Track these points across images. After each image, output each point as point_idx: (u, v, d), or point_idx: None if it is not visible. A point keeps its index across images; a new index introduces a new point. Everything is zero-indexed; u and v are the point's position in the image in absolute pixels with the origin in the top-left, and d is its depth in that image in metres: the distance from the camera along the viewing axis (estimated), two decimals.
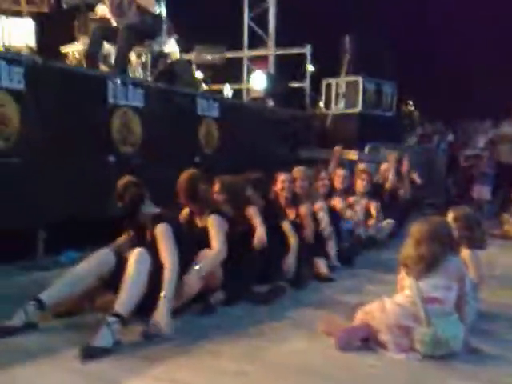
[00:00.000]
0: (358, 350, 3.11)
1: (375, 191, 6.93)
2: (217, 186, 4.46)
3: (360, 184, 6.68)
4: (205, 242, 3.89)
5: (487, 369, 2.93)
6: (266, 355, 3.03)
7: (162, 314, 3.22)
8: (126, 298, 3.14)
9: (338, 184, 6.39)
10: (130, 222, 3.87)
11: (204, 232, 4.00)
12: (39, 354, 2.89)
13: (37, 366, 2.75)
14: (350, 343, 3.15)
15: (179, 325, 3.37)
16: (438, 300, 3.13)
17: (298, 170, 5.50)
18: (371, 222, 6.58)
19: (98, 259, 3.44)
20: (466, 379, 2.80)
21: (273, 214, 4.78)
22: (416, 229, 3.33)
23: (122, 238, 3.93)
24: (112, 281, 3.35)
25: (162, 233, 3.58)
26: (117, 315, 3.04)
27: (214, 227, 4.00)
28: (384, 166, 7.50)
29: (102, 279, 3.43)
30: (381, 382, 2.74)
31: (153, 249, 3.50)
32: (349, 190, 6.58)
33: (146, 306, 3.24)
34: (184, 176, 4.14)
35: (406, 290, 3.23)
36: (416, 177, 8.04)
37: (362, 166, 7.10)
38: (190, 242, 3.81)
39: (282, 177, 5.26)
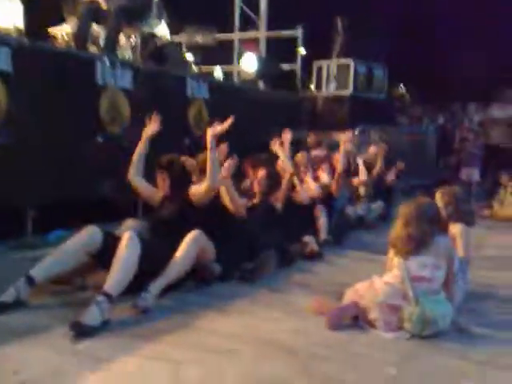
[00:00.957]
0: (348, 329, 3.14)
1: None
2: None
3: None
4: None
5: (476, 348, 2.96)
6: (257, 334, 3.04)
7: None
8: (115, 278, 3.17)
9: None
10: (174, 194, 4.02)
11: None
12: (29, 332, 2.89)
13: (26, 345, 2.74)
14: (340, 322, 3.18)
15: (170, 303, 3.40)
16: (426, 279, 3.16)
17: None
18: (361, 201, 6.64)
19: (86, 236, 3.46)
20: (455, 358, 2.82)
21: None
22: (404, 210, 3.36)
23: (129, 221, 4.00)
24: (102, 258, 3.38)
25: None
26: (106, 294, 3.05)
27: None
28: (372, 150, 7.48)
29: (90, 255, 3.46)
30: (370, 361, 2.76)
31: (172, 223, 3.75)
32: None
33: (138, 287, 3.28)
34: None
35: (394, 269, 3.25)
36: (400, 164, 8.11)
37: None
38: None
39: None
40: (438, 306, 3.10)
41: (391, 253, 3.36)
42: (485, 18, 14.58)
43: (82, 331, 2.86)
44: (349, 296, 3.31)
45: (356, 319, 3.20)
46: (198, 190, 3.98)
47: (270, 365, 2.66)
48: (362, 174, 6.70)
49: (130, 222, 4.20)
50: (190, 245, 3.64)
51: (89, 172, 5.08)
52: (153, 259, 3.44)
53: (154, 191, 4.19)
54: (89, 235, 3.46)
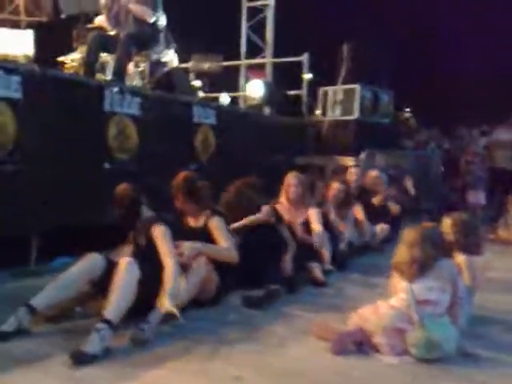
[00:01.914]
0: (353, 354, 3.13)
1: (361, 195, 6.98)
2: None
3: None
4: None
5: (481, 371, 2.95)
6: (261, 360, 3.03)
7: (168, 305, 3.30)
8: (115, 305, 3.15)
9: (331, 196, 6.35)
10: (128, 227, 3.91)
11: (199, 232, 4.01)
12: (29, 360, 2.89)
13: (27, 372, 2.75)
14: (344, 347, 3.16)
15: (171, 329, 3.39)
16: (432, 302, 3.17)
17: (291, 176, 5.52)
18: (364, 227, 6.61)
19: (88, 264, 3.47)
20: (460, 382, 2.81)
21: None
22: (408, 233, 3.39)
23: (125, 247, 3.97)
24: (102, 285, 3.37)
25: (161, 233, 3.67)
26: (106, 321, 3.05)
27: (221, 230, 4.08)
28: (373, 174, 7.47)
29: (92, 283, 3.47)
30: None
31: (149, 252, 3.57)
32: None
33: (137, 313, 3.27)
34: (180, 175, 4.17)
35: (400, 293, 3.25)
36: (410, 187, 8.11)
37: (349, 174, 7.21)
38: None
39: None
40: (443, 329, 3.09)
41: (395, 277, 3.37)
42: (491, 43, 14.70)
43: (82, 360, 2.85)
44: (353, 321, 3.31)
45: (361, 344, 3.19)
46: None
47: None
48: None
49: (126, 249, 4.19)
50: (194, 272, 3.66)
51: (96, 199, 5.12)
52: (151, 285, 3.41)
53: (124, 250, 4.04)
54: (91, 262, 3.47)
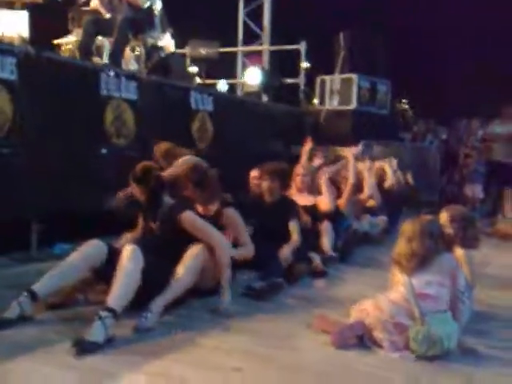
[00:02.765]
0: (353, 348, 3.10)
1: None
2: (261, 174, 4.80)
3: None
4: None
5: (482, 368, 2.92)
6: (260, 351, 3.01)
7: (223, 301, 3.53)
8: (118, 293, 3.11)
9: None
10: (149, 210, 3.84)
11: (209, 221, 3.90)
12: (32, 347, 2.85)
13: (29, 361, 2.71)
14: (345, 341, 3.13)
15: (173, 319, 3.38)
16: (431, 296, 3.13)
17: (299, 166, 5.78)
18: (365, 216, 6.58)
19: (89, 250, 3.41)
20: (460, 379, 2.79)
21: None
22: (407, 227, 3.36)
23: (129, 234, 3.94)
24: (104, 272, 3.33)
25: (193, 220, 3.69)
26: (110, 310, 3.00)
27: (238, 222, 4.08)
28: (377, 165, 7.45)
29: (93, 270, 3.42)
30: (375, 381, 2.73)
31: (162, 238, 3.64)
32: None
33: (140, 301, 3.23)
34: (189, 163, 4.08)
35: (399, 286, 3.22)
36: (409, 177, 8.08)
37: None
38: None
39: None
40: (443, 325, 3.06)
41: (394, 270, 3.34)
42: (488, 32, 14.65)
43: (85, 348, 2.81)
44: (354, 315, 3.27)
45: (361, 338, 3.16)
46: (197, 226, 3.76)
47: (272, 383, 2.62)
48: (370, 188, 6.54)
49: (129, 235, 4.14)
50: (192, 260, 3.58)
51: (92, 184, 5.05)
52: (154, 273, 3.37)
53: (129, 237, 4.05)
54: (93, 249, 3.41)
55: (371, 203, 6.77)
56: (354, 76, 9.65)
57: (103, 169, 5.29)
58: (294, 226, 4.82)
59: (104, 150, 5.41)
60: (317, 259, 4.90)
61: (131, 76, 5.93)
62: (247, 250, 4.11)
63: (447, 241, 3.57)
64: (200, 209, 4.18)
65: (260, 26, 11.33)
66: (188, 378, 2.62)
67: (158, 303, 3.31)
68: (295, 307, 3.88)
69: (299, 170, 5.73)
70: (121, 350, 2.91)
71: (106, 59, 6.67)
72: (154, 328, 3.20)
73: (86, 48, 6.36)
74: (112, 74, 5.57)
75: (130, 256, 3.26)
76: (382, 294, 3.26)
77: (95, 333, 2.89)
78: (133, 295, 3.17)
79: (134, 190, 3.86)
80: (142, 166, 3.86)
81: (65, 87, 5.05)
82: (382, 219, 6.79)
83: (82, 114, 5.20)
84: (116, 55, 6.34)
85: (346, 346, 3.10)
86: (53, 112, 4.90)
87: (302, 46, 10.25)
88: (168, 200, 3.84)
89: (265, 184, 4.90)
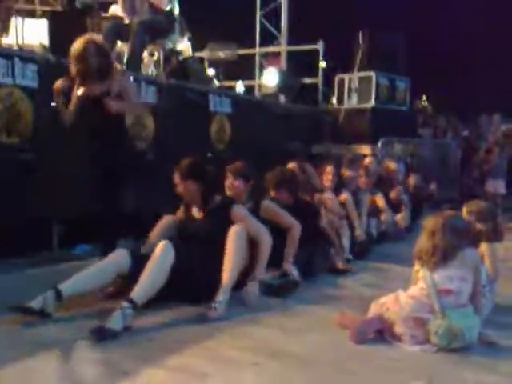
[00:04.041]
0: (373, 343, 3.10)
1: (380, 184, 6.89)
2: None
3: (361, 181, 6.57)
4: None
5: (504, 361, 2.90)
6: (279, 347, 3.02)
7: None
8: (142, 287, 3.23)
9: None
10: (205, 203, 3.95)
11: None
12: (53, 344, 2.89)
13: (51, 357, 2.75)
14: (364, 335, 3.14)
15: (193, 314, 3.43)
16: (453, 292, 3.11)
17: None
18: (383, 215, 6.52)
19: (116, 258, 3.53)
20: (482, 372, 2.77)
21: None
22: (430, 221, 3.33)
23: (163, 223, 4.05)
24: (128, 279, 3.43)
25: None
26: (131, 301, 3.11)
27: (248, 218, 3.99)
28: (390, 165, 7.38)
29: (119, 277, 3.53)
30: (396, 375, 2.72)
31: (204, 229, 3.80)
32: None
33: (185, 289, 3.46)
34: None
35: (420, 282, 3.21)
36: (433, 187, 8.06)
37: (366, 160, 7.08)
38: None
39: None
40: (464, 318, 3.04)
41: (417, 265, 3.32)
42: (508, 29, 14.48)
43: (103, 335, 2.91)
44: (374, 309, 3.28)
45: (381, 333, 3.16)
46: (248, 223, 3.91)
47: (294, 378, 2.64)
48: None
49: (152, 237, 4.16)
50: (237, 240, 3.68)
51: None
52: (190, 265, 3.50)
53: (166, 224, 4.12)
54: (119, 260, 3.51)
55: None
56: (372, 74, 9.62)
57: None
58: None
59: None
60: (338, 258, 4.91)
61: (150, 80, 6.00)
62: (268, 245, 4.02)
63: (474, 236, 3.56)
64: (196, 212, 4.10)
65: (277, 26, 11.36)
66: (207, 372, 2.64)
67: (223, 292, 3.45)
68: (314, 303, 3.87)
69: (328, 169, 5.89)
70: (142, 343, 2.96)
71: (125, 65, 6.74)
72: (225, 317, 3.36)
73: None
74: (131, 79, 5.64)
75: (159, 251, 3.39)
76: (403, 290, 3.25)
77: (114, 321, 3.01)
78: (157, 289, 3.29)
79: (184, 185, 3.91)
80: (192, 160, 3.98)
81: None
82: (403, 216, 6.76)
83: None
84: (134, 60, 6.41)
85: (366, 341, 3.10)
86: None
87: (319, 46, 10.25)
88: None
89: (272, 194, 4.86)
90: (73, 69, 4.13)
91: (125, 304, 3.10)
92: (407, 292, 3.22)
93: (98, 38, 4.39)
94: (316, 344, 3.09)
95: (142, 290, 3.22)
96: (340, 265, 4.85)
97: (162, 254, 3.40)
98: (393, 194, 7.02)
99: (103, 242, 4.20)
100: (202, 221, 3.95)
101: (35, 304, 3.17)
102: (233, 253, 3.64)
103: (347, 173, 6.15)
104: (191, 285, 3.53)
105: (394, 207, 6.81)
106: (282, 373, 2.70)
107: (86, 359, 2.73)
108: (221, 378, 2.61)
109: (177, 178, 3.93)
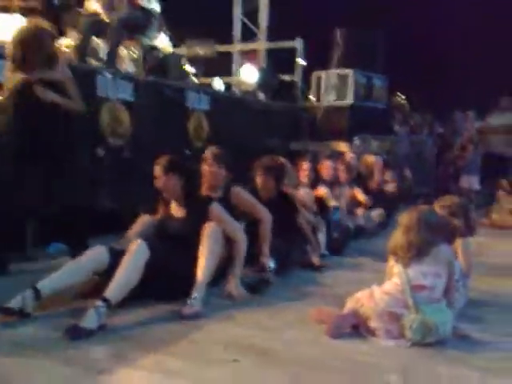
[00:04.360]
0: (349, 338, 3.13)
1: (359, 181, 6.98)
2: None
3: (342, 176, 6.67)
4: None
5: (477, 355, 2.94)
6: (255, 343, 3.03)
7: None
8: (115, 285, 3.22)
9: (324, 175, 6.40)
10: (185, 199, 3.95)
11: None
12: (30, 343, 2.89)
13: (27, 357, 2.73)
14: (340, 330, 3.16)
15: (168, 313, 3.42)
16: (427, 287, 3.15)
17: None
18: (360, 210, 6.61)
19: (94, 255, 3.49)
20: (456, 365, 2.81)
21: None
22: (405, 217, 3.36)
23: (141, 221, 4.03)
24: (106, 276, 3.39)
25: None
26: (105, 300, 3.11)
27: (225, 216, 4.00)
28: (368, 159, 7.48)
29: (96, 274, 3.50)
30: (370, 370, 2.75)
31: (184, 226, 3.82)
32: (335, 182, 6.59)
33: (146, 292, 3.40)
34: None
35: (394, 277, 3.25)
36: (407, 172, 8.13)
37: (347, 156, 7.17)
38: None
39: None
40: (438, 313, 3.08)
41: (391, 261, 3.36)
42: (485, 26, 14.64)
43: (77, 334, 2.91)
44: (349, 305, 3.30)
45: (357, 328, 3.19)
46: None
47: (271, 375, 2.65)
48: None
49: (145, 218, 4.13)
50: (211, 237, 3.69)
51: (89, 185, 5.08)
52: (166, 264, 3.50)
53: (145, 222, 4.09)
54: (97, 257, 3.48)
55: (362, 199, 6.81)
56: (349, 71, 9.67)
57: (99, 169, 5.32)
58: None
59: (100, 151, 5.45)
60: (313, 253, 4.94)
61: (128, 77, 5.97)
62: (242, 244, 4.02)
63: (450, 231, 3.60)
64: (175, 210, 4.08)
65: (256, 23, 11.36)
66: (182, 372, 2.63)
67: (199, 287, 3.47)
68: (291, 300, 3.88)
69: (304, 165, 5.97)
70: (118, 342, 2.94)
71: (101, 61, 6.70)
72: (201, 314, 3.38)
73: (83, 50, 6.39)
74: (108, 75, 5.61)
75: (134, 250, 3.38)
76: (377, 286, 3.28)
77: (88, 320, 2.99)
78: (131, 287, 3.28)
79: (165, 179, 3.90)
80: (171, 157, 3.98)
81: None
82: (378, 213, 6.82)
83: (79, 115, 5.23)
84: (111, 56, 6.37)
85: (341, 336, 3.12)
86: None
87: (298, 43, 10.28)
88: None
89: (259, 180, 4.90)
90: (14, 52, 4.07)
91: (99, 303, 3.08)
92: (382, 287, 3.25)
93: (43, 22, 4.29)
94: (293, 340, 3.10)
95: (116, 288, 3.20)
96: (316, 261, 4.88)
97: (136, 252, 3.38)
98: (373, 184, 7.11)
99: (67, 241, 4.17)
100: (181, 219, 3.93)
101: (14, 304, 3.15)
102: (207, 250, 3.64)
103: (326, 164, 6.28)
104: (167, 281, 3.52)
105: (376, 199, 6.90)
106: (257, 370, 2.70)
107: (61, 359, 2.71)
108: (197, 375, 2.61)
109: (158, 171, 3.91)
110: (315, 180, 6.10)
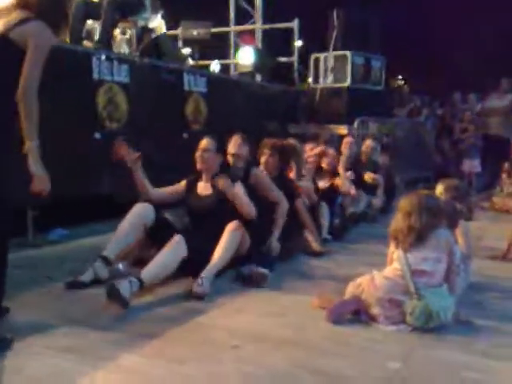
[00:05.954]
0: (350, 323, 3.12)
1: (355, 165, 6.92)
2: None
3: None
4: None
5: (478, 340, 2.94)
6: (258, 329, 3.02)
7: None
8: (152, 270, 3.42)
9: (324, 164, 6.35)
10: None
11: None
12: (32, 330, 2.88)
13: (30, 344, 2.73)
14: (341, 316, 3.16)
15: (170, 299, 3.44)
16: (427, 273, 3.13)
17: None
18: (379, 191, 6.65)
19: (141, 210, 3.79)
20: (457, 350, 2.81)
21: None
22: (405, 202, 3.33)
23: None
24: (154, 233, 3.78)
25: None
26: (139, 279, 3.29)
27: (265, 179, 4.41)
28: (367, 143, 7.39)
29: (146, 229, 3.79)
30: (372, 355, 2.74)
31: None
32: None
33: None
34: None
35: (395, 263, 3.22)
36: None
37: (346, 139, 7.13)
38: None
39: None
40: (439, 298, 3.07)
41: (392, 246, 3.33)
42: (486, 8, 14.55)
43: (117, 299, 3.10)
44: (350, 290, 3.28)
45: (358, 313, 3.18)
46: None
47: (272, 360, 2.64)
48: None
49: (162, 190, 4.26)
50: (232, 235, 3.80)
51: (87, 169, 5.02)
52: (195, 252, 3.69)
53: (176, 189, 4.26)
54: (143, 209, 3.79)
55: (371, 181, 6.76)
56: (347, 53, 9.57)
57: (97, 153, 5.25)
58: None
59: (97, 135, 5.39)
60: (314, 240, 4.87)
61: (123, 59, 5.88)
62: (250, 207, 4.10)
63: (453, 215, 3.58)
64: (202, 186, 4.24)
65: (252, 4, 11.21)
66: (185, 358, 2.62)
67: (211, 271, 3.62)
68: (292, 285, 3.87)
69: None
70: (118, 331, 2.93)
71: (96, 43, 6.60)
72: (209, 294, 3.49)
73: (77, 32, 6.29)
74: (103, 57, 5.52)
75: (172, 246, 3.57)
76: (378, 271, 3.26)
77: (125, 288, 3.15)
78: (165, 277, 3.52)
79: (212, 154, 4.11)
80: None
81: (57, 72, 4.99)
82: (379, 198, 6.78)
83: (75, 98, 5.16)
84: (105, 38, 6.28)
85: (342, 322, 3.11)
86: (45, 97, 4.84)
87: (295, 24, 10.16)
88: None
89: (264, 158, 4.87)
90: None
91: (133, 278, 3.25)
92: (382, 273, 3.23)
93: None
94: (294, 326, 3.10)
95: (151, 272, 3.39)
96: (317, 247, 4.83)
97: (175, 249, 3.56)
98: (368, 177, 7.04)
99: None
100: (210, 196, 4.11)
101: (86, 277, 3.52)
102: (226, 242, 3.77)
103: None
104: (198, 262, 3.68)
105: (371, 189, 6.83)
106: (259, 356, 2.69)
107: (62, 346, 2.71)
108: (197, 362, 2.59)
109: (208, 145, 4.11)
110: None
